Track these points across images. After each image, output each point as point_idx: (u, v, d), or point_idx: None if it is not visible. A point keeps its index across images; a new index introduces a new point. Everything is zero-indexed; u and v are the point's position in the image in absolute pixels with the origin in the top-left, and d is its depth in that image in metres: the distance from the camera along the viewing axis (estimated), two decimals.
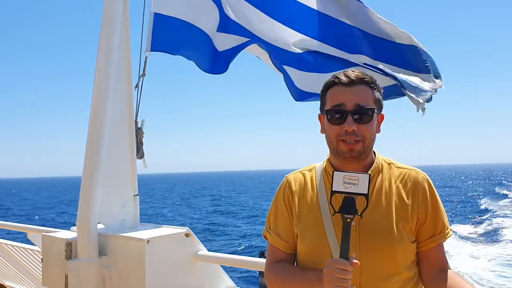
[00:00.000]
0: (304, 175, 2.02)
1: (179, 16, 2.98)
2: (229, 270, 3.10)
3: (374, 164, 1.91)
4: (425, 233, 1.85)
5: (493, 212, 38.38)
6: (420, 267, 1.89)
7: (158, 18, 2.90)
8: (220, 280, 2.93)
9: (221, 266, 2.93)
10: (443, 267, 1.87)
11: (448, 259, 1.92)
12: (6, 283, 6.01)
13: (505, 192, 58.98)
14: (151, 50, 2.89)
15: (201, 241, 2.79)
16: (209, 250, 2.83)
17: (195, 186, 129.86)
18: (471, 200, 53.16)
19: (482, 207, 44.80)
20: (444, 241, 1.88)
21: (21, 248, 4.92)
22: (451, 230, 1.91)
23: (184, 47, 3.09)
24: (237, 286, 3.02)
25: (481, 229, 30.32)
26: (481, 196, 56.08)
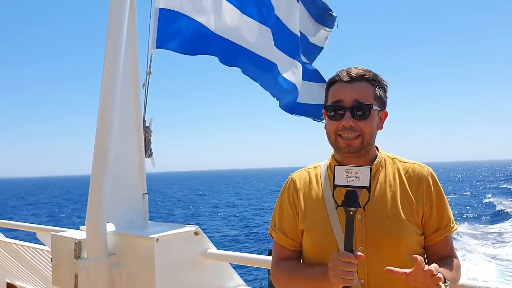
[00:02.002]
0: (309, 172, 2.06)
1: (184, 11, 2.97)
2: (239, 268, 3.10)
3: (377, 159, 1.94)
4: (431, 227, 1.87)
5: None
6: (428, 260, 1.91)
7: (164, 14, 2.89)
8: (229, 278, 2.93)
9: (231, 264, 2.93)
10: (449, 256, 1.90)
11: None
12: (17, 283, 6.04)
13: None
14: (157, 47, 2.89)
15: None
16: None
17: (231, 184, 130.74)
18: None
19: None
20: (449, 234, 1.90)
21: (31, 248, 4.94)
22: (456, 223, 1.93)
23: (191, 43, 3.06)
24: (246, 284, 3.02)
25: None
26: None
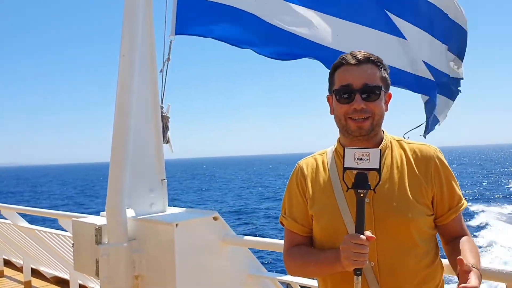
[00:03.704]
0: (315, 159, 2.08)
1: None
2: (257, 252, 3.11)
3: (383, 141, 1.93)
4: (444, 206, 1.88)
5: None
6: (441, 238, 1.95)
7: (182, 0, 2.89)
8: (248, 263, 2.94)
9: (250, 249, 2.94)
10: (461, 234, 1.91)
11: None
12: (41, 268, 6.17)
13: None
14: (176, 34, 2.88)
15: None
16: None
17: (261, 169, 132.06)
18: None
19: None
20: (461, 211, 1.92)
21: (53, 234, 5.03)
22: (464, 200, 1.94)
23: (213, 28, 3.03)
24: (266, 268, 3.02)
25: None
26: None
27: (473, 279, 1.55)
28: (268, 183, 71.13)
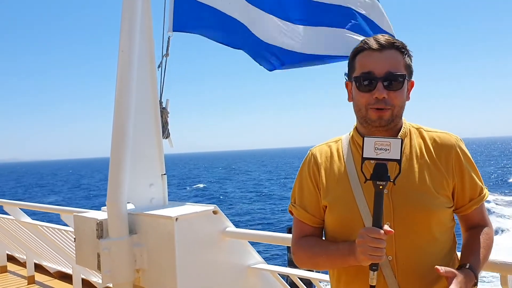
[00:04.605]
0: (330, 147, 1.97)
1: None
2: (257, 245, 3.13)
3: (402, 129, 1.84)
4: (465, 197, 1.81)
5: None
6: (461, 226, 1.90)
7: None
8: (248, 256, 2.96)
9: (249, 242, 2.95)
10: (481, 225, 1.86)
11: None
12: (44, 263, 6.22)
13: None
14: (173, 30, 2.89)
15: None
16: None
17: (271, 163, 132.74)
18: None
19: None
20: (483, 202, 1.85)
21: (56, 229, 5.07)
22: (486, 189, 1.87)
23: (208, 28, 3.05)
24: (266, 261, 3.04)
25: None
26: None
27: (452, 286, 1.56)
28: (288, 175, 73.82)
